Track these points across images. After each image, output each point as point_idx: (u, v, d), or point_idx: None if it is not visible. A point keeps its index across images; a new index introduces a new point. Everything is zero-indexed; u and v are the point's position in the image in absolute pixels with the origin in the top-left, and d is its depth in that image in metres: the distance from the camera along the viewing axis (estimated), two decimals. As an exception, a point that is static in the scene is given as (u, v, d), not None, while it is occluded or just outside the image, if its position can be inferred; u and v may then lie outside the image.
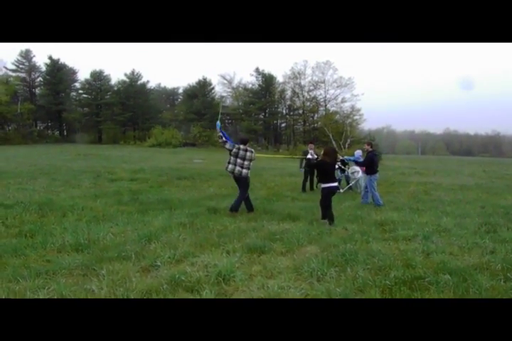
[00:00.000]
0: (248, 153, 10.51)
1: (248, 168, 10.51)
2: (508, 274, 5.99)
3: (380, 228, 9.11)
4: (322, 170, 9.63)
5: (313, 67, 73.34)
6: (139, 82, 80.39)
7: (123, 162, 28.37)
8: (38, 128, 78.32)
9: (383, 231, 8.86)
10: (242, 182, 10.61)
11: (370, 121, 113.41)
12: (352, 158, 14.69)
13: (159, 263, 6.01)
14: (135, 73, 79.94)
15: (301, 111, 76.66)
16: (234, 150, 10.49)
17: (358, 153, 15.70)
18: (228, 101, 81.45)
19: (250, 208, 10.65)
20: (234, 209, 10.23)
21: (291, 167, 28.74)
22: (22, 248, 6.70)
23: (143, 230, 7.90)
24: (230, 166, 10.52)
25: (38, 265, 5.97)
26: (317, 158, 13.53)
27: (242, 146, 10.57)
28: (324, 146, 15.71)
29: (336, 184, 9.59)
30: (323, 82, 73.14)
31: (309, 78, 74.22)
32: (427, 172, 32.41)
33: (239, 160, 10.46)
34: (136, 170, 21.64)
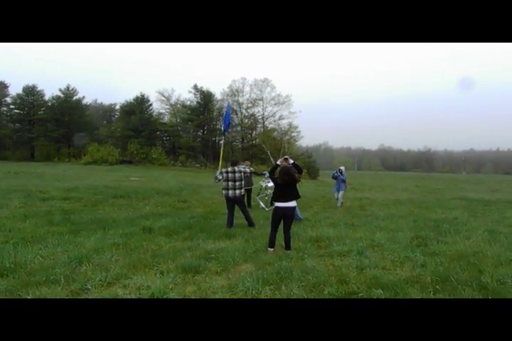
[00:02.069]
0: (237, 174, 10.98)
1: (241, 187, 11.06)
2: (437, 286, 6.18)
3: (316, 244, 9.20)
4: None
5: (251, 85, 74.25)
6: (74, 98, 78.50)
7: (56, 180, 27.44)
8: (-35, 145, 74.92)
9: (319, 247, 8.95)
10: (240, 201, 11.22)
11: (308, 138, 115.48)
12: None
13: (90, 287, 5.80)
14: (70, 88, 78.08)
15: (239, 128, 77.05)
16: (224, 175, 11.05)
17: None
18: (166, 118, 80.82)
19: (232, 224, 11.10)
20: (251, 225, 11.17)
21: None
22: None
23: (74, 252, 7.61)
24: (224, 192, 11.09)
25: (-42, 291, 5.63)
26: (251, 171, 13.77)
27: (229, 168, 11.08)
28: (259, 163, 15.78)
29: (287, 204, 8.43)
30: (261, 99, 74.11)
31: (247, 95, 75.02)
32: (363, 188, 33.21)
33: (230, 183, 10.95)
34: (69, 188, 20.96)
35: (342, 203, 18.13)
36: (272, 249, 8.33)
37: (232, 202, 11.17)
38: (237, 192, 11.06)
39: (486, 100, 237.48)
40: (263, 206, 14.78)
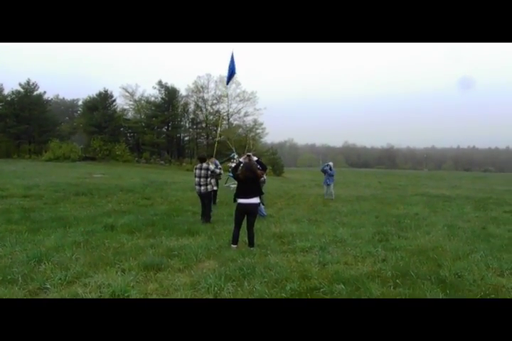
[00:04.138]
0: (203, 171, 11.23)
1: (206, 184, 11.26)
2: (398, 281, 6.31)
3: (279, 240, 9.26)
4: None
5: (216, 81, 73.81)
6: (35, 93, 76.62)
7: (16, 177, 26.76)
8: None
9: (282, 243, 9.01)
10: (206, 197, 11.41)
11: (273, 135, 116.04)
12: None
13: (49, 286, 5.71)
14: (31, 83, 76.17)
15: (204, 125, 76.69)
16: (194, 172, 11.46)
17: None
18: (130, 114, 79.81)
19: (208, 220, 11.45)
20: (207, 220, 11.36)
21: (192, 181, 28.60)
22: None
23: (33, 250, 7.44)
24: (196, 187, 11.53)
25: None
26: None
27: (198, 165, 11.38)
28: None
29: (250, 200, 8.43)
30: (226, 95, 73.82)
31: (212, 92, 74.64)
32: (326, 184, 33.48)
33: (196, 179, 11.30)
34: (30, 186, 20.49)
35: (334, 196, 20.01)
36: (235, 246, 8.33)
37: (201, 197, 11.52)
38: (202, 188, 11.33)
39: (450, 100, 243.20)
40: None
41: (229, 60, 12.93)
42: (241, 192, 8.46)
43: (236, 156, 14.26)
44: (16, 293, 5.41)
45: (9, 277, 5.98)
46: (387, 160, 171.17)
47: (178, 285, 5.92)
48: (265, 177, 13.76)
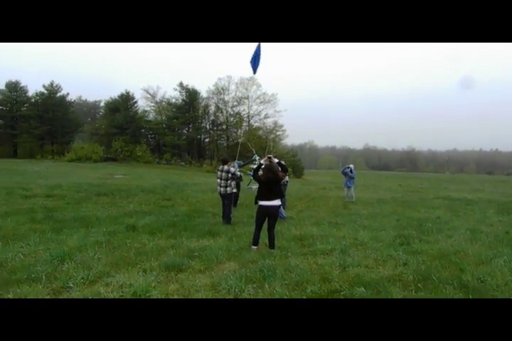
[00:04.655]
0: (224, 173, 11.42)
1: (226, 186, 11.45)
2: (419, 285, 6.25)
3: (299, 243, 9.23)
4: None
5: (237, 83, 73.96)
6: (58, 94, 77.64)
7: (39, 177, 27.17)
8: None
9: (302, 245, 8.98)
10: (227, 198, 11.60)
11: (293, 137, 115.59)
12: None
13: (72, 285, 5.78)
14: (54, 85, 77.24)
15: (224, 127, 76.89)
16: (216, 173, 11.73)
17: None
18: (151, 116, 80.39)
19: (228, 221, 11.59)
20: (227, 222, 11.48)
21: (213, 182, 28.70)
22: None
23: (56, 250, 7.54)
24: (217, 188, 11.74)
25: None
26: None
27: (220, 167, 11.64)
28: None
29: (271, 203, 8.36)
30: (247, 97, 73.88)
31: (233, 94, 74.79)
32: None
33: (218, 181, 11.54)
34: (53, 186, 20.78)
35: (354, 198, 19.94)
36: (255, 247, 8.32)
37: (222, 198, 11.74)
38: (222, 189, 11.53)
39: (473, 99, 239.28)
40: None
41: (254, 50, 12.73)
42: (262, 195, 8.43)
43: (258, 158, 14.26)
44: (40, 291, 5.50)
45: (33, 275, 6.08)
46: (408, 162, 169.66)
47: (198, 286, 5.94)
48: (287, 178, 13.76)
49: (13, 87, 74.35)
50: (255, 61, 11.76)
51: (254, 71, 12.08)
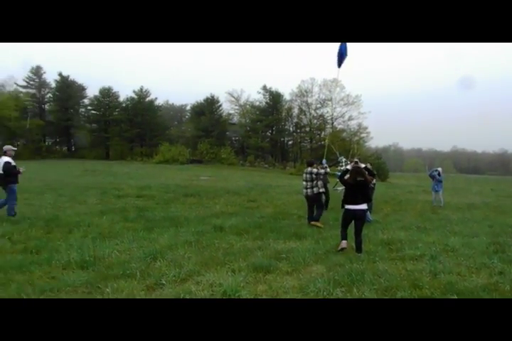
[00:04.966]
0: (308, 175, 11.55)
1: (312, 187, 11.57)
2: (518, 295, 5.93)
3: (387, 247, 9.02)
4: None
5: (320, 85, 73.43)
6: (147, 99, 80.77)
7: (130, 178, 28.40)
8: (47, 143, 78.83)
9: (390, 250, 8.77)
10: (314, 200, 11.70)
11: (377, 139, 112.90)
12: None
13: (164, 282, 5.99)
14: (143, 90, 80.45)
15: (308, 129, 76.63)
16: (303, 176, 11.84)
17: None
18: (235, 119, 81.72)
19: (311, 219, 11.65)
20: (315, 219, 11.54)
21: (297, 185, 28.70)
22: (27, 264, 6.72)
23: (148, 248, 7.88)
24: (303, 190, 11.85)
25: (43, 282, 5.97)
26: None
27: (305, 169, 11.76)
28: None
29: (356, 206, 8.27)
30: (330, 99, 73.11)
31: (316, 96, 74.33)
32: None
33: (303, 183, 11.69)
34: (142, 186, 21.63)
35: (443, 203, 19.17)
36: (345, 241, 8.33)
37: (308, 199, 11.78)
38: (309, 191, 11.61)
39: None
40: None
41: (340, 47, 12.54)
42: (349, 198, 8.34)
43: (344, 160, 14.12)
44: (136, 286, 5.74)
45: (128, 272, 6.37)
46: (500, 165, 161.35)
47: (286, 287, 5.97)
48: (374, 181, 13.52)
49: (106, 93, 78.23)
50: (341, 57, 11.67)
51: (340, 64, 12.01)
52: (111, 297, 5.34)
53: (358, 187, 8.29)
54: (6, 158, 11.17)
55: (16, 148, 12.28)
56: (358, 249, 8.32)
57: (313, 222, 11.36)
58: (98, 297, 5.38)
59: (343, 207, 8.48)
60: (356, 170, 8.45)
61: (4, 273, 6.29)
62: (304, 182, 11.66)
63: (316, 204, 11.76)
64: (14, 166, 11.25)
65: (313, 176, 11.42)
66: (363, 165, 8.79)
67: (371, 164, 14.67)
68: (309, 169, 11.58)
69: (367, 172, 8.64)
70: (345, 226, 8.46)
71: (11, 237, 8.70)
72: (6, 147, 11.60)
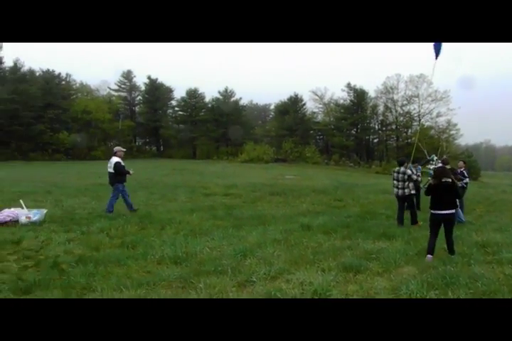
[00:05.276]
0: (400, 175, 11.33)
1: (404, 188, 11.34)
2: None
3: (482, 250, 8.60)
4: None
5: (406, 81, 71.28)
6: (231, 99, 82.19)
7: (216, 177, 29.04)
8: (137, 143, 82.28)
9: (485, 253, 8.36)
10: (405, 200, 11.53)
11: (467, 136, 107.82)
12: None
13: (255, 279, 6.08)
14: (228, 90, 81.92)
15: (393, 127, 74.76)
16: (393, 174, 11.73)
17: None
18: (319, 117, 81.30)
19: (401, 222, 11.40)
20: (413, 223, 11.37)
21: (383, 184, 28.13)
22: (124, 258, 7.09)
23: (238, 245, 8.03)
24: (394, 190, 11.68)
25: (139, 275, 6.27)
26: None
27: (396, 168, 11.59)
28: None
29: (444, 211, 7.85)
30: (417, 96, 70.86)
31: (402, 92, 72.22)
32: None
33: (395, 182, 11.53)
34: (229, 185, 22.05)
35: None
36: (430, 256, 7.70)
37: (399, 199, 11.56)
38: (400, 191, 11.37)
39: None
40: None
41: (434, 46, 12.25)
42: (434, 202, 7.95)
43: (435, 158, 13.63)
44: (227, 283, 5.87)
45: (220, 268, 6.53)
46: None
47: (378, 288, 5.87)
48: (467, 180, 13.02)
49: (193, 94, 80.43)
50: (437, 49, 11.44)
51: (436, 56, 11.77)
52: (204, 292, 5.49)
53: (445, 189, 7.88)
54: (116, 159, 12.11)
55: (125, 149, 13.25)
56: (451, 250, 8.00)
57: (413, 225, 11.23)
58: (191, 292, 5.56)
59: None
60: (441, 171, 8.12)
61: (104, 266, 6.66)
62: (395, 182, 11.43)
63: (408, 203, 11.52)
64: (123, 166, 12.12)
65: (406, 177, 11.15)
66: (448, 167, 8.37)
67: (464, 162, 14.09)
68: (402, 169, 11.31)
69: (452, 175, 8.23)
70: (433, 232, 7.98)
71: (108, 233, 9.20)
72: (117, 148, 12.65)
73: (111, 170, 12.03)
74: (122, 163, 12.13)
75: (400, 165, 11.49)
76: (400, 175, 11.25)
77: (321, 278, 6.08)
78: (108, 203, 12.02)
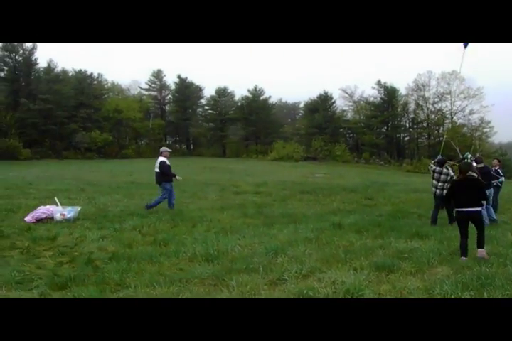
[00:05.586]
0: (442, 176, 11.15)
1: (443, 189, 11.09)
2: None
3: (519, 250, 8.42)
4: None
5: (438, 78, 70.18)
6: (261, 98, 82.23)
7: (246, 175, 29.15)
8: (168, 142, 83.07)
9: (522, 254, 8.17)
10: (442, 201, 11.32)
11: (502, 134, 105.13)
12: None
13: (286, 277, 6.06)
14: (257, 89, 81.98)
15: (425, 124, 73.79)
16: (431, 173, 11.63)
17: None
18: (349, 115, 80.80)
19: (435, 222, 11.27)
20: (451, 221, 11.01)
21: (414, 182, 27.78)
22: (157, 255, 7.17)
23: (269, 243, 8.01)
24: (433, 189, 11.54)
25: (172, 273, 6.33)
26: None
27: (437, 168, 11.38)
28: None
29: (469, 209, 7.62)
30: (449, 93, 69.69)
31: (434, 90, 71.14)
32: None
33: (434, 182, 11.34)
34: (259, 183, 22.08)
35: None
36: (465, 258, 7.50)
37: (436, 199, 11.42)
38: (438, 191, 11.19)
39: None
40: None
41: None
42: (460, 199, 7.75)
43: (470, 156, 13.36)
44: (259, 281, 5.88)
45: (251, 266, 6.53)
46: None
47: (411, 288, 5.77)
48: (503, 179, 12.78)
49: (222, 93, 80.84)
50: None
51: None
52: (236, 290, 5.50)
53: (470, 186, 7.71)
54: (162, 158, 12.40)
55: (171, 150, 13.66)
56: (480, 245, 7.69)
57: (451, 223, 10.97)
58: (224, 290, 5.58)
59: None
60: (467, 166, 8.03)
61: (137, 263, 6.75)
62: (435, 182, 11.24)
63: (445, 204, 11.31)
64: (169, 166, 12.41)
65: (448, 178, 10.96)
66: (481, 165, 8.20)
67: (499, 161, 13.85)
68: (445, 170, 11.15)
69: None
70: (463, 233, 7.74)
71: (141, 230, 9.31)
72: (163, 148, 12.97)
73: (157, 169, 12.31)
74: (167, 163, 12.37)
75: (440, 165, 11.30)
76: (442, 176, 11.04)
77: (353, 277, 6.03)
78: (154, 201, 12.32)
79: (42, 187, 18.70)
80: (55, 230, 9.08)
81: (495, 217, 11.63)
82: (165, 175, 12.27)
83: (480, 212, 7.90)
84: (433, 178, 11.37)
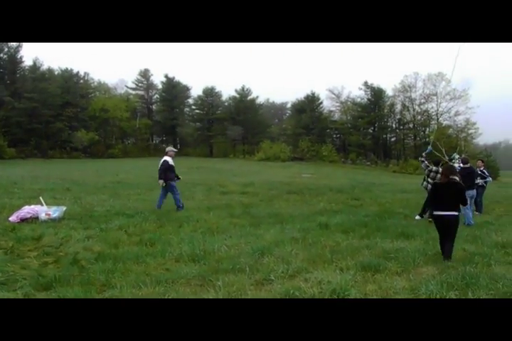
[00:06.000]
0: (439, 175, 11.08)
1: None
2: None
3: (503, 250, 8.47)
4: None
5: (424, 80, 70.90)
6: (248, 98, 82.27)
7: (233, 175, 29.14)
8: (154, 142, 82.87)
9: (506, 254, 8.22)
10: None
11: (486, 135, 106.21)
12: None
13: (273, 278, 6.05)
14: (245, 89, 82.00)
15: (411, 125, 74.35)
16: (426, 172, 11.90)
17: None
18: (336, 116, 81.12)
19: None
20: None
21: (401, 183, 27.96)
22: (143, 255, 7.12)
23: (256, 243, 8.00)
24: (425, 183, 11.98)
25: (158, 273, 6.29)
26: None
27: (434, 168, 11.65)
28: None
29: (446, 213, 7.49)
30: (436, 94, 70.36)
31: (420, 91, 71.83)
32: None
33: (430, 181, 11.56)
34: (246, 183, 22.08)
35: None
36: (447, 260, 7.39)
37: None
38: None
39: None
40: None
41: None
42: (437, 202, 7.70)
43: (457, 156, 13.52)
44: (246, 281, 5.86)
45: (238, 266, 6.51)
46: None
47: (397, 288, 5.80)
48: (490, 179, 12.91)
49: (209, 92, 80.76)
50: None
51: None
52: (222, 290, 5.47)
53: (451, 189, 7.60)
54: (166, 158, 12.59)
55: (176, 150, 13.90)
56: (447, 256, 7.42)
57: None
58: (210, 290, 5.55)
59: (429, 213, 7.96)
60: (449, 169, 7.97)
61: (123, 263, 6.69)
62: (431, 181, 11.49)
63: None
64: (171, 165, 12.56)
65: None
66: (467, 166, 8.28)
67: (482, 161, 14.02)
68: (438, 168, 11.41)
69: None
70: (440, 235, 7.78)
71: (127, 230, 9.25)
72: (168, 148, 13.27)
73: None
74: (170, 163, 12.49)
75: (436, 165, 11.56)
76: (439, 175, 11.03)
77: (340, 277, 6.04)
78: (175, 201, 12.58)
79: (27, 186, 18.53)
80: (40, 230, 8.99)
81: (472, 222, 11.62)
82: (167, 173, 12.39)
83: (456, 216, 7.66)
84: (428, 177, 11.58)
